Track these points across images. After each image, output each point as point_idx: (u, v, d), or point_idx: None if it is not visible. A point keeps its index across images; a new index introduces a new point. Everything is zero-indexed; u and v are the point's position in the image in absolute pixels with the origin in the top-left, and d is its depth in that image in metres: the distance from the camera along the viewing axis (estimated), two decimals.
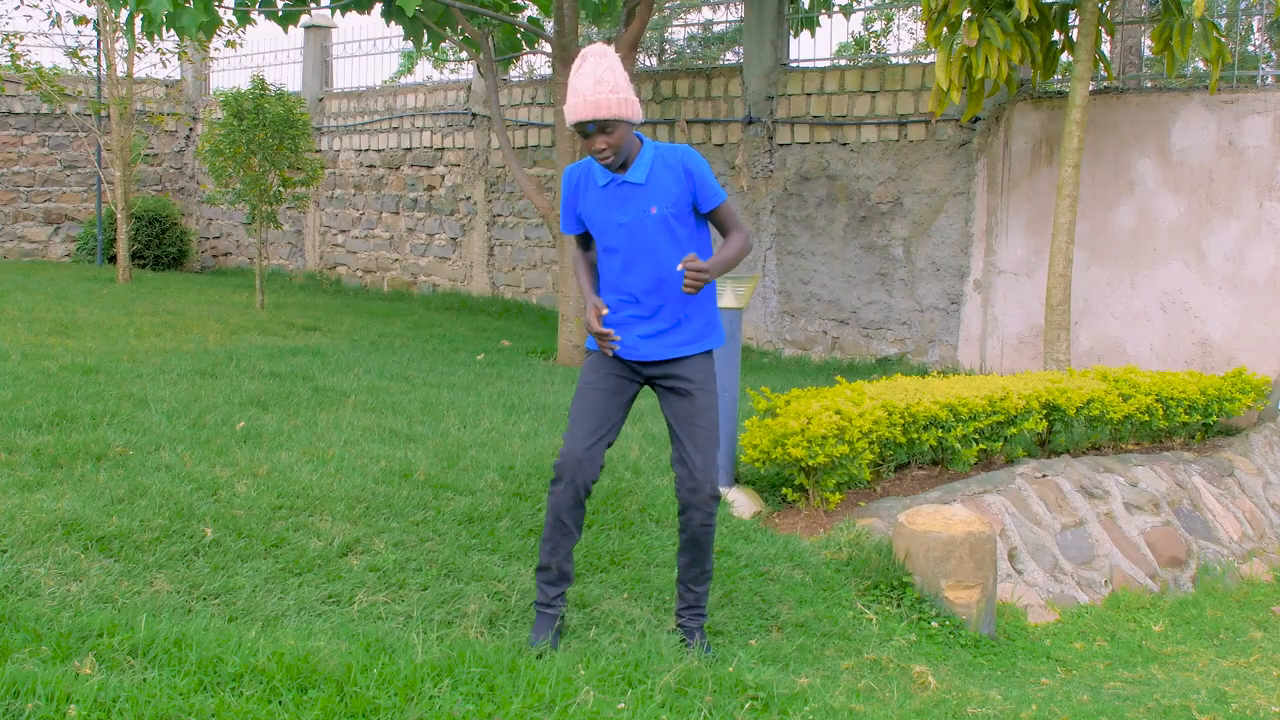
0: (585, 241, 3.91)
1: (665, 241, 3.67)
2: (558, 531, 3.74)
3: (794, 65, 10.61)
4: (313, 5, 10.28)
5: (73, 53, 14.50)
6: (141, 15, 8.63)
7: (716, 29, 16.45)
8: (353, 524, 4.51)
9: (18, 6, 14.19)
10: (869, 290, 10.03)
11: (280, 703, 2.80)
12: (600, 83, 3.51)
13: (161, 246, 16.03)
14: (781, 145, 10.49)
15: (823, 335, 10.37)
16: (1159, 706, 3.88)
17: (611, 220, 3.68)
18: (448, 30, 10.08)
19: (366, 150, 14.79)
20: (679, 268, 3.57)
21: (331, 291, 14.42)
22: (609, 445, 3.76)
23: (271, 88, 11.27)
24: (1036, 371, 7.43)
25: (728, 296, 5.24)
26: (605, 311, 3.72)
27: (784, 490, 5.52)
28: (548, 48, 10.53)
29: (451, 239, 13.76)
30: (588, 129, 3.54)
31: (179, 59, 15.40)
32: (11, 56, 13.78)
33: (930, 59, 9.71)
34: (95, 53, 15.00)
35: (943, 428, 5.75)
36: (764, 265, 10.68)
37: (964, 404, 5.82)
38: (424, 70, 22.86)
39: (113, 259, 15.28)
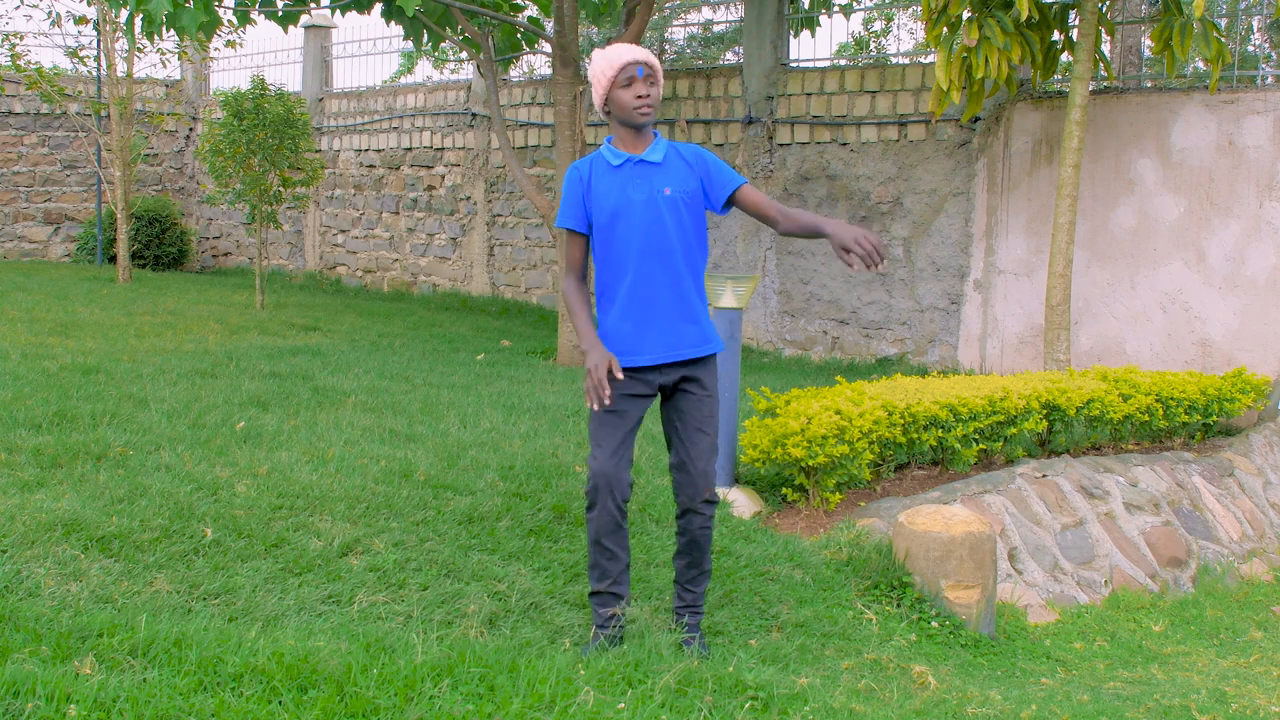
0: (582, 261, 3.79)
1: (675, 227, 3.63)
2: (603, 557, 3.66)
3: (794, 65, 10.61)
4: (313, 5, 10.28)
5: (73, 53, 14.50)
6: (141, 15, 8.62)
7: (716, 29, 16.44)
8: (353, 524, 4.51)
9: (18, 6, 14.19)
10: (869, 290, 10.03)
11: (280, 703, 2.80)
12: (641, 48, 3.70)
13: (161, 246, 16.03)
14: (781, 145, 10.49)
15: (823, 335, 10.37)
16: (1159, 706, 3.88)
17: (627, 197, 3.62)
18: (448, 30, 10.07)
19: (366, 150, 14.79)
20: (855, 244, 3.62)
21: (331, 291, 14.43)
22: (630, 464, 3.68)
23: (271, 88, 11.27)
24: (1036, 371, 7.43)
25: (728, 296, 5.23)
26: (620, 373, 3.53)
27: (784, 490, 5.52)
28: (548, 48, 10.53)
29: (451, 239, 13.76)
30: (638, 72, 3.59)
31: (179, 59, 15.40)
32: (11, 56, 13.78)
33: (930, 59, 9.71)
34: (95, 53, 15.00)
35: (943, 428, 5.75)
36: (764, 265, 10.69)
37: (964, 404, 5.82)
38: (424, 70, 22.90)
39: (113, 259, 15.28)
